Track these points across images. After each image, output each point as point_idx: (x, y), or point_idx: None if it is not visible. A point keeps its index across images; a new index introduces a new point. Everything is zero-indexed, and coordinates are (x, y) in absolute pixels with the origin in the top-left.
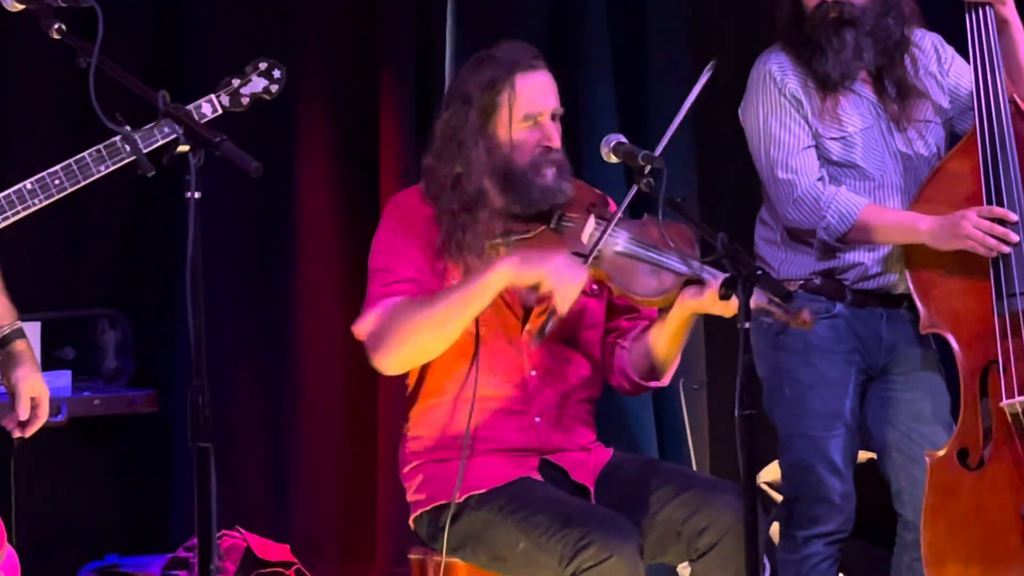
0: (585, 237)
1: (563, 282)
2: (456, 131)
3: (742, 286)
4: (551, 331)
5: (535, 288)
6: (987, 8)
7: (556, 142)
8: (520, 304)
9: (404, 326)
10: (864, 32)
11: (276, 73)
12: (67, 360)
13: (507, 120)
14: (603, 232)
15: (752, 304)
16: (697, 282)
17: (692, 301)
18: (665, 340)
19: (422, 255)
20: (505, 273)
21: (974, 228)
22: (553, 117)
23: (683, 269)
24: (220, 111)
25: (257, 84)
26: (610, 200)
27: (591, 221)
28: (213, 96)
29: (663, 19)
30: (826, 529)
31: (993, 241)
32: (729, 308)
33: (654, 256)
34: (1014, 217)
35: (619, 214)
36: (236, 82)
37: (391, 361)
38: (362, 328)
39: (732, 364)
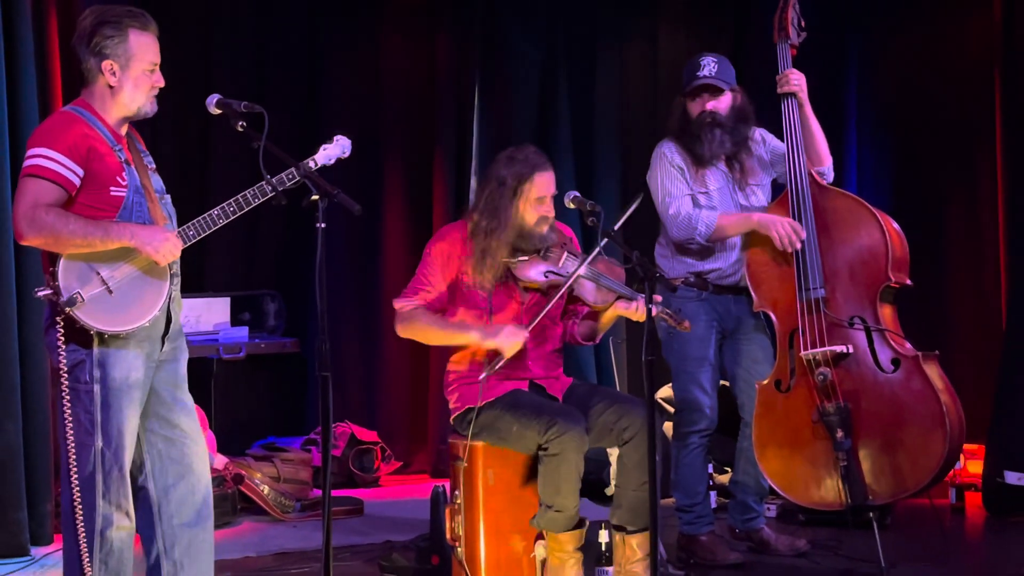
0: (560, 263)
1: (507, 343)
2: (494, 200)
3: (647, 283)
4: (499, 369)
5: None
6: (792, 98)
7: (551, 212)
8: (520, 297)
9: (414, 326)
10: (727, 131)
11: (347, 142)
12: (245, 320)
13: (526, 197)
14: (579, 265)
15: (655, 312)
16: (624, 298)
17: (619, 310)
18: (598, 327)
19: (443, 277)
20: (475, 336)
21: (782, 226)
22: (552, 198)
23: (618, 289)
24: (319, 165)
25: (337, 149)
26: (574, 237)
27: (565, 254)
28: (315, 155)
29: (604, 122)
30: (699, 428)
31: (787, 240)
32: (639, 316)
33: (601, 280)
34: (804, 236)
35: (590, 258)
36: (327, 146)
37: (402, 336)
38: (397, 306)
39: (642, 328)
